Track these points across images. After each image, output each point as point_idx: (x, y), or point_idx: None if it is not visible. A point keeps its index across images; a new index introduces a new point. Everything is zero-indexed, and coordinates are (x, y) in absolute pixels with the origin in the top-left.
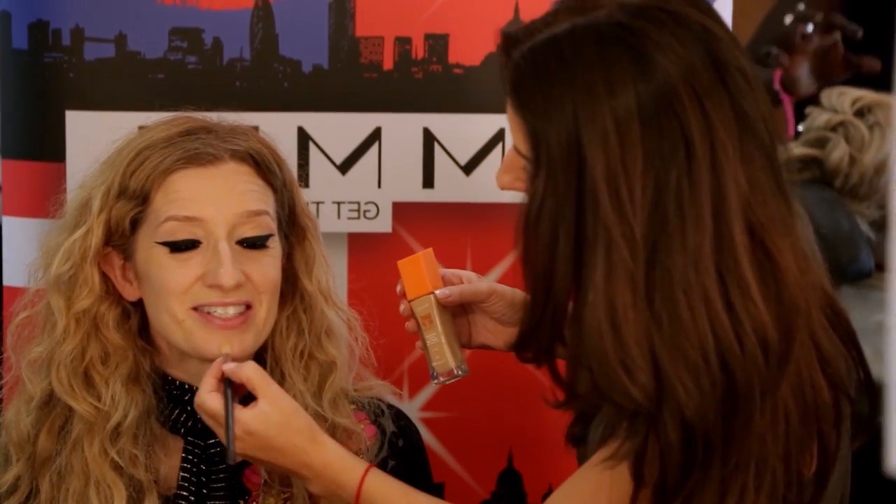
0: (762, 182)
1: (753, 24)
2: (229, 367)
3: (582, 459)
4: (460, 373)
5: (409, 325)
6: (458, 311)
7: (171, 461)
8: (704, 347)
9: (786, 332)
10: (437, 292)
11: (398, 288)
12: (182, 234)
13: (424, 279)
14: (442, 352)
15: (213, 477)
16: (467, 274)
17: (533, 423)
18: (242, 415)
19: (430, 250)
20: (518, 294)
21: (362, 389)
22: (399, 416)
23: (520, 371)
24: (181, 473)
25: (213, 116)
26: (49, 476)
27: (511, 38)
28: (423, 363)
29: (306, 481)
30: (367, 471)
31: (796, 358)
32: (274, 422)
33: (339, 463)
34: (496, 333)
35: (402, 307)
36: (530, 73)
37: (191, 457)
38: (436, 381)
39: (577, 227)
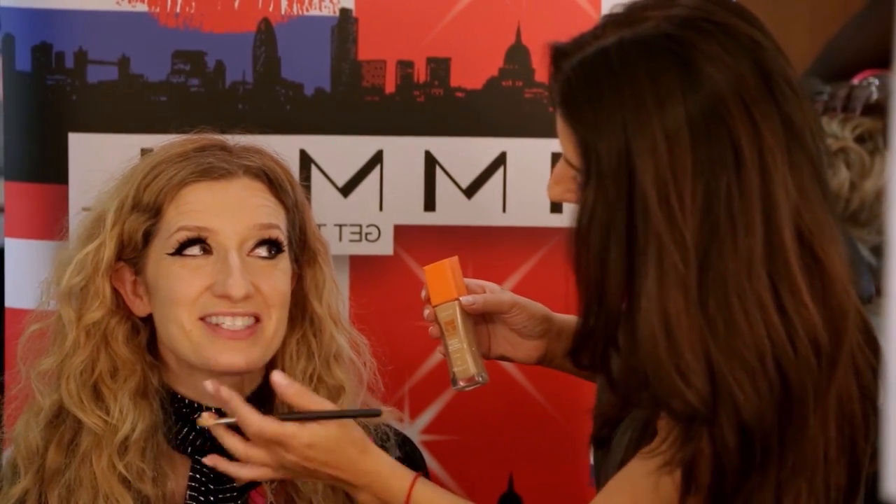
0: (809, 189)
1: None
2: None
3: (602, 462)
4: (480, 379)
5: (432, 330)
6: (479, 321)
7: (177, 480)
8: (761, 351)
9: (835, 336)
10: (461, 299)
11: (423, 293)
12: (192, 237)
13: (450, 285)
14: (464, 358)
15: (221, 496)
16: (490, 284)
17: (534, 447)
18: (300, 430)
19: (455, 258)
20: (538, 308)
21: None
22: (405, 442)
23: (520, 394)
24: (188, 493)
25: (228, 138)
26: (58, 490)
27: (560, 51)
28: (423, 386)
29: (357, 490)
30: (415, 479)
31: (844, 362)
32: (333, 434)
33: (388, 471)
34: (515, 345)
35: (426, 312)
36: (580, 86)
37: (198, 475)
38: (456, 386)
39: (629, 234)
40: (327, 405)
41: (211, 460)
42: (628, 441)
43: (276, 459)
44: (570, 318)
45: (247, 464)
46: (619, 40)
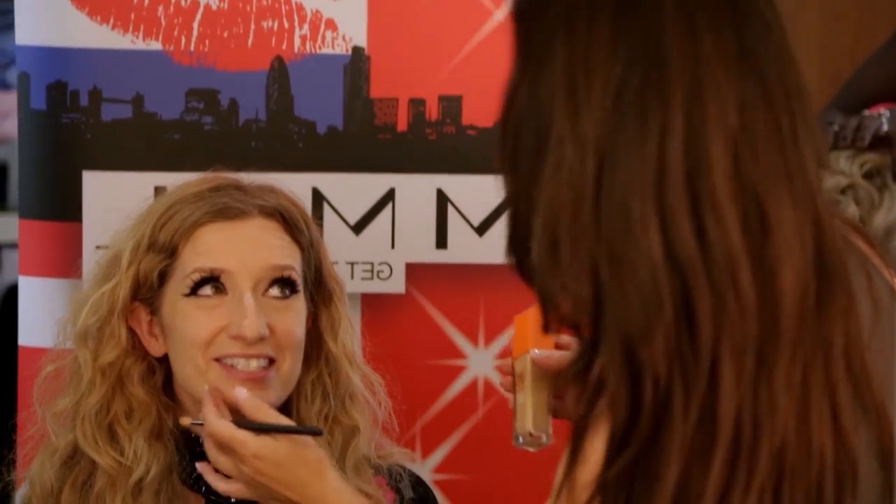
0: (762, 134)
1: None
2: (243, 395)
3: None
4: (544, 440)
5: (504, 381)
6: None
7: None
8: (653, 265)
9: (772, 312)
10: (532, 352)
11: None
12: (206, 277)
13: (527, 337)
14: (525, 414)
15: None
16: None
17: (546, 487)
18: (252, 439)
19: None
20: None
21: (384, 457)
22: (418, 483)
23: None
24: None
25: (243, 177)
26: None
27: None
28: (435, 425)
29: None
30: None
31: (799, 340)
32: (282, 450)
33: (334, 496)
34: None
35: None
36: None
37: None
38: (516, 443)
39: (539, 128)
40: (284, 421)
41: (200, 467)
42: None
43: (237, 469)
44: None
45: (227, 478)
46: None
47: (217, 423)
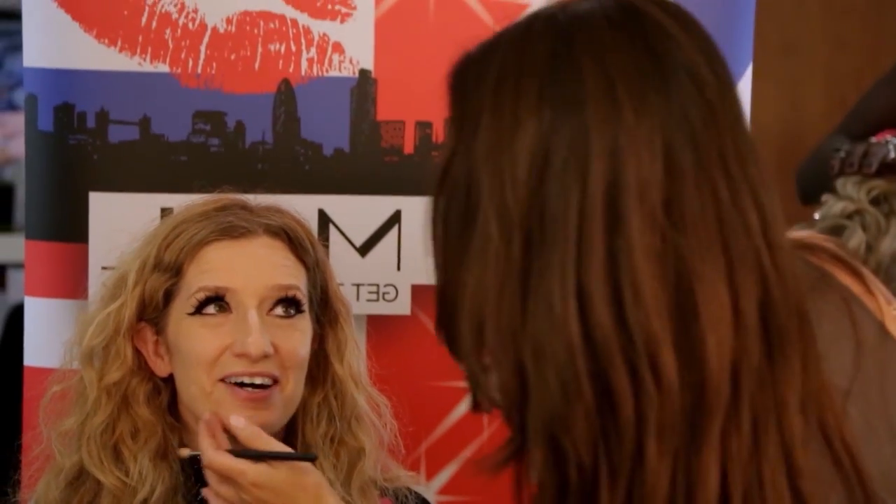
0: (691, 202)
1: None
2: (240, 424)
3: None
4: None
5: None
6: None
7: None
8: (570, 345)
9: (699, 392)
10: None
11: None
12: (211, 296)
13: None
14: None
15: None
16: None
17: None
18: (250, 468)
19: None
20: None
21: (390, 479)
22: None
23: None
24: None
25: (250, 198)
26: None
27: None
28: (441, 445)
29: None
30: None
31: (735, 411)
32: (281, 476)
33: None
34: None
35: None
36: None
37: None
38: None
39: (466, 208)
40: (280, 448)
41: (205, 493)
42: None
43: (239, 498)
44: None
45: None
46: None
47: (214, 456)
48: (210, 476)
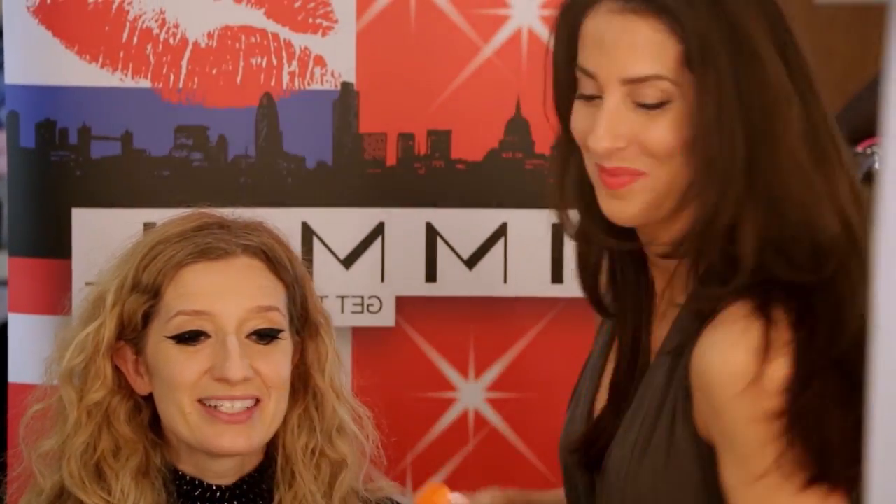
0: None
1: None
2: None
3: (603, 489)
4: None
5: None
6: None
7: None
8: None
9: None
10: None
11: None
12: (190, 327)
13: None
14: None
15: None
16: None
17: None
18: None
19: (439, 484)
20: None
21: (373, 490)
22: None
23: (521, 464)
24: None
25: (228, 213)
26: None
27: None
28: (426, 458)
29: None
30: None
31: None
32: None
33: None
34: None
35: None
36: None
37: None
38: None
39: (745, 102)
40: None
41: None
42: (633, 449)
43: None
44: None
45: None
46: None
47: None
48: None
